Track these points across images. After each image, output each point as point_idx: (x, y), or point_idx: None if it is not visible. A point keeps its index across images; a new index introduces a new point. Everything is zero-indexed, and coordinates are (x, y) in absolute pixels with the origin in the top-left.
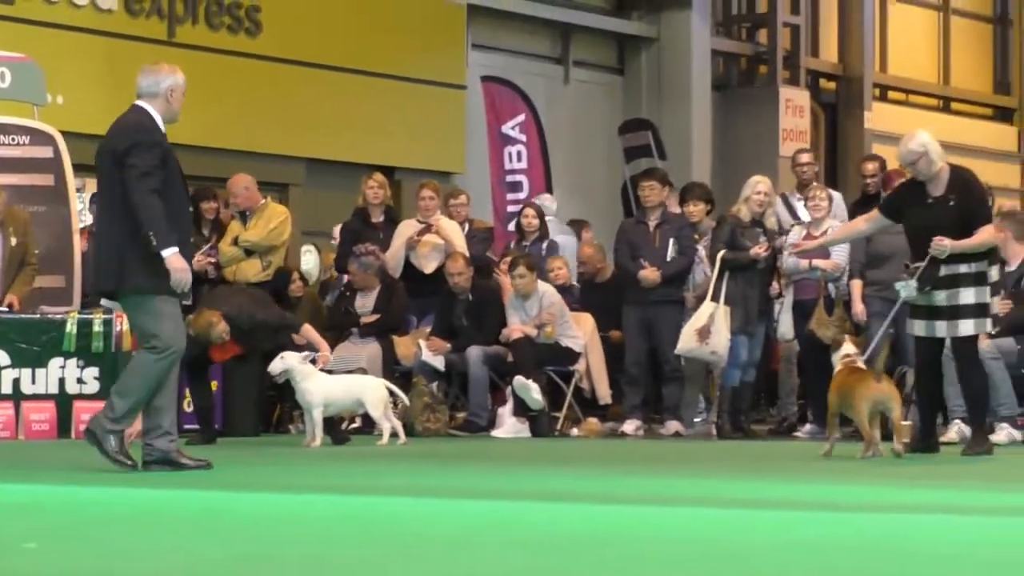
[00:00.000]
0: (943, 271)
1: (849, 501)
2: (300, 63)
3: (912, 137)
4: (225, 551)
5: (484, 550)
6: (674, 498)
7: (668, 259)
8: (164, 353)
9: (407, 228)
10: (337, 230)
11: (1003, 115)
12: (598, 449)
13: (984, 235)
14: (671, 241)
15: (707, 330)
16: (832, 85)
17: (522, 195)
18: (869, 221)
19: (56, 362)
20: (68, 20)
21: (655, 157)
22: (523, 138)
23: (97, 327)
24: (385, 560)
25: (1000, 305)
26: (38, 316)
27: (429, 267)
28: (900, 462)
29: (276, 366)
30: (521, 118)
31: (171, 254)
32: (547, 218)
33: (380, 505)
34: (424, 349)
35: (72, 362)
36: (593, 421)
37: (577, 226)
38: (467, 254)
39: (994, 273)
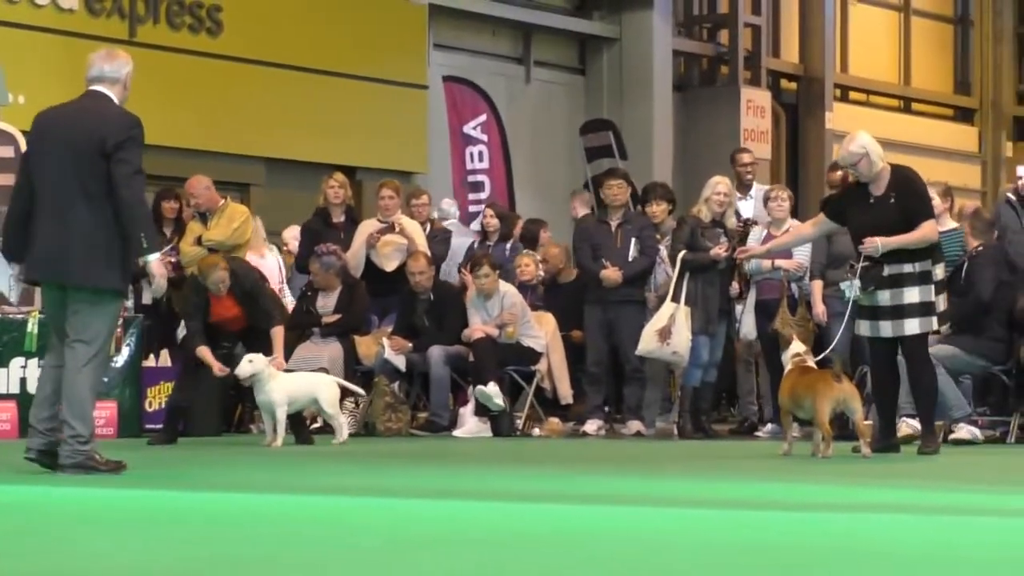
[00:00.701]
0: (887, 271)
1: (811, 500)
2: (261, 63)
3: (853, 139)
4: (188, 551)
5: (446, 550)
6: (635, 498)
7: (630, 259)
8: (100, 356)
9: (368, 228)
10: (288, 233)
11: (964, 115)
12: (560, 449)
13: (923, 230)
14: (633, 241)
15: (668, 331)
16: (793, 86)
17: (484, 195)
18: (815, 225)
19: (17, 362)
20: (29, 19)
21: (616, 157)
22: (484, 138)
23: None
24: (346, 560)
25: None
26: None
27: (390, 266)
28: (861, 461)
29: (246, 369)
30: (483, 118)
31: (155, 259)
32: (447, 222)
33: (342, 505)
34: (387, 348)
35: (33, 362)
36: (555, 421)
37: (535, 226)
38: (428, 253)
39: (939, 272)
